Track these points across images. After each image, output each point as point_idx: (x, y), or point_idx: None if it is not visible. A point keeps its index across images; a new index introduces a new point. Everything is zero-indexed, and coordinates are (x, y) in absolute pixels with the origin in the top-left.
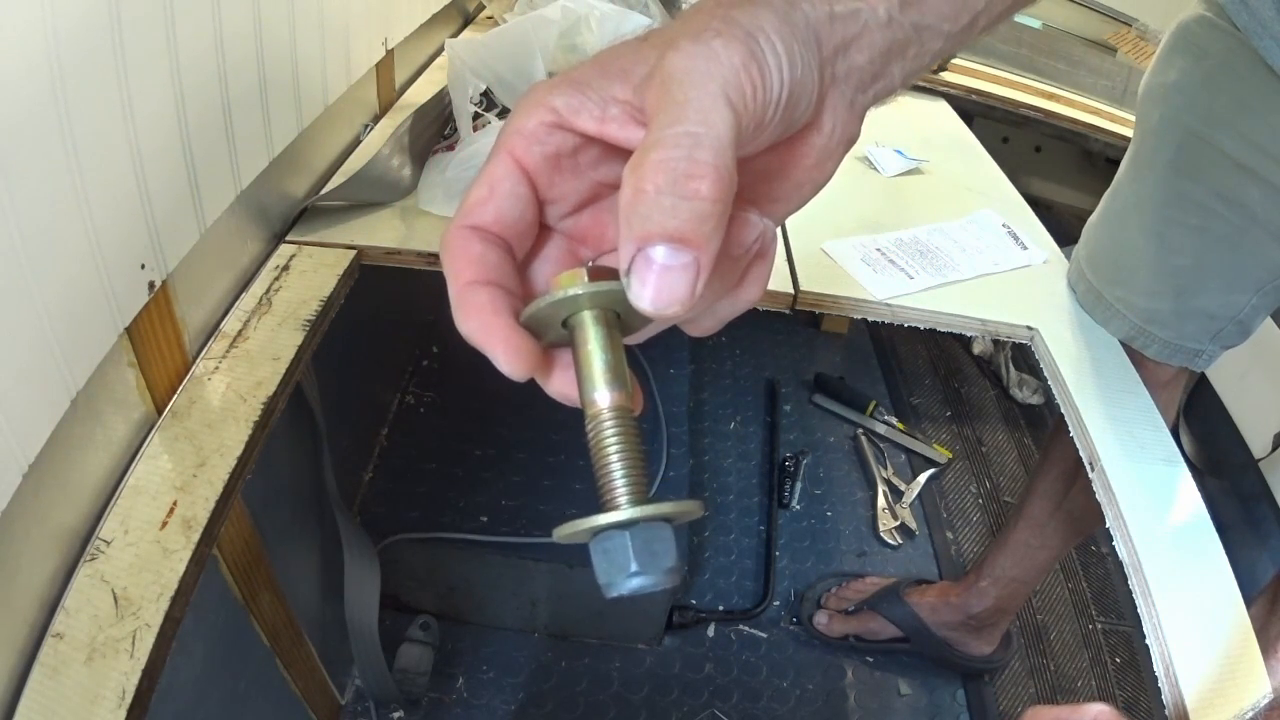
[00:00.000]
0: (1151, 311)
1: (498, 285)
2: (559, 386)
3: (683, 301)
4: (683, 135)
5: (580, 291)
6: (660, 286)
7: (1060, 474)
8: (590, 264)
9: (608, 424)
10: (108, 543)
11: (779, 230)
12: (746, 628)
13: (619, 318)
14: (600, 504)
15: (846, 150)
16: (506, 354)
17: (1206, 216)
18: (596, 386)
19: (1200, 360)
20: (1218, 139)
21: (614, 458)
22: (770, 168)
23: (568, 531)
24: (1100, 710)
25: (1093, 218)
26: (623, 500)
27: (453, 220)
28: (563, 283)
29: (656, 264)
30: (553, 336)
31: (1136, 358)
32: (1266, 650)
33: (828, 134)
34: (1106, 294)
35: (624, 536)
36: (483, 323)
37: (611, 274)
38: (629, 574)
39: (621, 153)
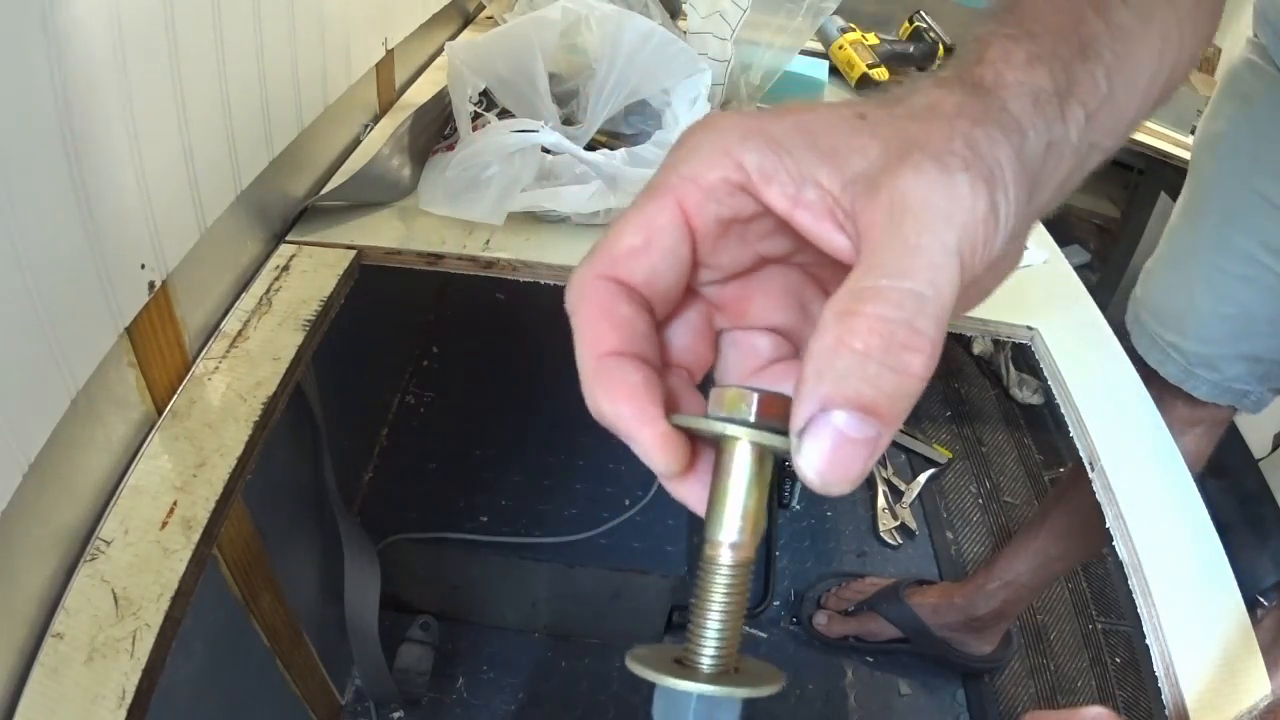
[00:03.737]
0: (1201, 356)
1: (645, 361)
2: (687, 495)
3: (853, 481)
4: (908, 295)
5: (747, 432)
6: (835, 460)
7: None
8: (759, 392)
9: (723, 573)
10: (108, 543)
11: None
12: (746, 627)
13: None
14: (686, 646)
15: (1005, 279)
16: (662, 453)
17: (1253, 266)
18: (724, 528)
19: (1248, 400)
20: (1263, 186)
21: (715, 611)
22: None
23: (639, 668)
24: (1098, 713)
25: (1149, 262)
26: (706, 661)
27: (591, 262)
28: (727, 404)
29: (838, 432)
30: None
31: (1185, 399)
32: (1271, 667)
33: (1001, 266)
34: (1159, 338)
35: (691, 698)
36: (636, 411)
37: (782, 407)
38: None
39: (797, 234)
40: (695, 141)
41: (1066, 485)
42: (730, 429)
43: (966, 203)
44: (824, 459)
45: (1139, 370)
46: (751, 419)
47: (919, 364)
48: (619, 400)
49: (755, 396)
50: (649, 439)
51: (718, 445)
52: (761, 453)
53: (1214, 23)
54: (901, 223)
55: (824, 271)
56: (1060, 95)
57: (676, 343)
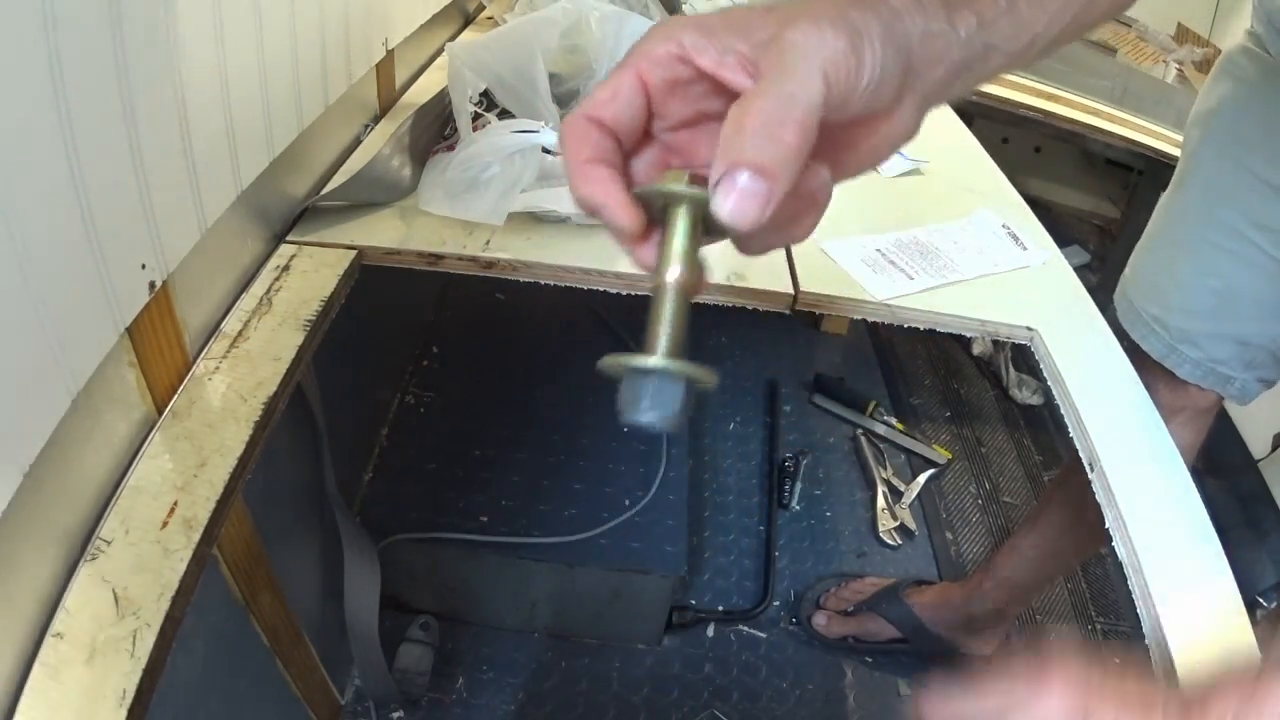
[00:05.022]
0: (1184, 331)
1: (611, 165)
2: (643, 256)
3: (753, 220)
4: (783, 94)
5: (682, 189)
6: (738, 203)
7: (1085, 482)
8: (691, 171)
9: (669, 294)
10: (108, 542)
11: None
12: (746, 628)
13: (704, 220)
14: (642, 349)
15: (905, 143)
16: (621, 211)
17: (1239, 241)
18: (670, 264)
19: (1233, 388)
20: (1251, 162)
21: (665, 319)
22: (844, 139)
23: (609, 362)
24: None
25: (1140, 241)
26: (658, 352)
27: (575, 110)
28: (668, 178)
29: (739, 185)
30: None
31: (1169, 381)
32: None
33: (895, 125)
34: (1144, 311)
35: (648, 380)
36: (602, 188)
37: (706, 180)
38: (640, 409)
39: (727, 93)
40: (651, 31)
41: (1058, 483)
42: (676, 189)
43: (830, 43)
44: (731, 202)
45: (1125, 348)
46: (685, 184)
47: (790, 136)
48: (593, 183)
49: (687, 173)
50: (615, 203)
51: (665, 211)
52: (694, 210)
53: None
54: (783, 55)
55: None
56: (948, 3)
57: (639, 171)
